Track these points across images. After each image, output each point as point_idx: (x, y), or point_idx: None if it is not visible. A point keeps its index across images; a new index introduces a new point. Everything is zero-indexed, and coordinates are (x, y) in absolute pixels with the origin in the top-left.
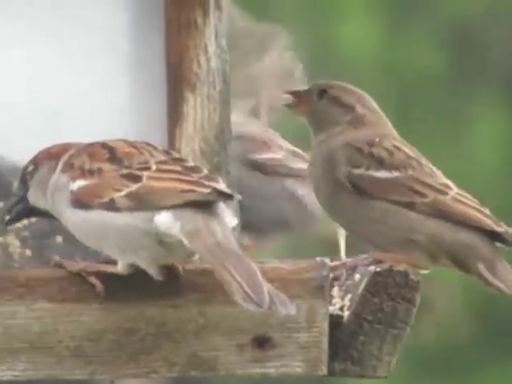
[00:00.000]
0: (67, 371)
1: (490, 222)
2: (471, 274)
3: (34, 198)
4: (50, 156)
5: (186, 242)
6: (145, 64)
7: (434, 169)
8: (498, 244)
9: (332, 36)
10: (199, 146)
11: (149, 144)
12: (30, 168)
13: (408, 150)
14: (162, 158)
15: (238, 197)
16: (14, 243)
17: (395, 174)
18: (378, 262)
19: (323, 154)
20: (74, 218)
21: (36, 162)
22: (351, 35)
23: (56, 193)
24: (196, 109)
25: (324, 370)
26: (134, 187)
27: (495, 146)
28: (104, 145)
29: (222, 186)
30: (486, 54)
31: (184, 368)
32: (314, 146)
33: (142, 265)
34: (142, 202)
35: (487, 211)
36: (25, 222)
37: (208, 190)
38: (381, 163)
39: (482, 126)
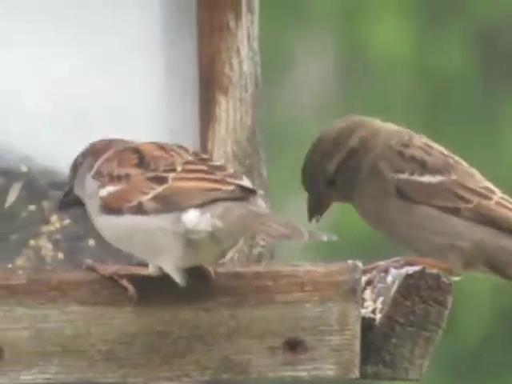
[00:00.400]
0: (100, 374)
1: None
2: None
3: (78, 189)
4: (93, 152)
5: (218, 223)
6: (177, 67)
7: (466, 164)
8: None
9: (363, 38)
10: (231, 148)
11: (181, 147)
12: (79, 160)
13: (437, 145)
14: (189, 158)
15: (261, 192)
16: (46, 246)
17: (439, 178)
18: (410, 264)
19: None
20: (106, 225)
21: (84, 154)
22: (382, 37)
23: (88, 200)
24: (228, 111)
25: (356, 373)
26: (159, 189)
27: None
28: (136, 149)
29: (245, 182)
30: None
31: (216, 371)
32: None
33: (167, 269)
34: (169, 204)
35: None
36: (57, 225)
37: (232, 188)
38: (424, 167)
39: None
